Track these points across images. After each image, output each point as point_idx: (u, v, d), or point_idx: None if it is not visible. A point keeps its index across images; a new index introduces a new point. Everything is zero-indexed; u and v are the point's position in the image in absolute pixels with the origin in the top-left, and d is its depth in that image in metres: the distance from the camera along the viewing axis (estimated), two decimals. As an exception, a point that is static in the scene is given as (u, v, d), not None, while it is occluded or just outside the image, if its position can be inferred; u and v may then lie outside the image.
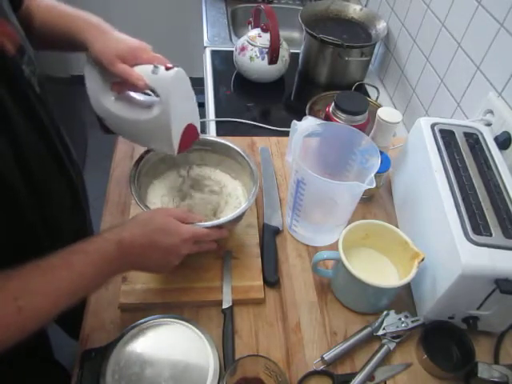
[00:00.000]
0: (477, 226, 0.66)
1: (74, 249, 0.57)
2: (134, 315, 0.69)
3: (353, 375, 0.66)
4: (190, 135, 0.73)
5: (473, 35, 0.97)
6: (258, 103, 1.32)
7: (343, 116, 0.93)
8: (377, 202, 0.94)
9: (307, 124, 0.79)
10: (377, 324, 0.71)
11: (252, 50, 1.29)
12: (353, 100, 0.96)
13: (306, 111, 1.22)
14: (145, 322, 0.67)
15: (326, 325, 0.73)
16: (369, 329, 0.70)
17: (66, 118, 0.82)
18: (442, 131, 0.82)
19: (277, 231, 0.85)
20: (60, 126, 0.73)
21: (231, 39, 1.59)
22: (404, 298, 0.78)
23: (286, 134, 0.93)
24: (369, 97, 1.35)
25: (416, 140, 0.85)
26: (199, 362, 0.63)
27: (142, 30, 1.79)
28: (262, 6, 1.25)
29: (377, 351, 0.69)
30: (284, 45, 1.31)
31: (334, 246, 0.78)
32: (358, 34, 1.39)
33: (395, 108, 1.32)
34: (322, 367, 0.67)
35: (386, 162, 0.87)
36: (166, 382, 0.61)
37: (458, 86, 1.02)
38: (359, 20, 1.43)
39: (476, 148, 0.80)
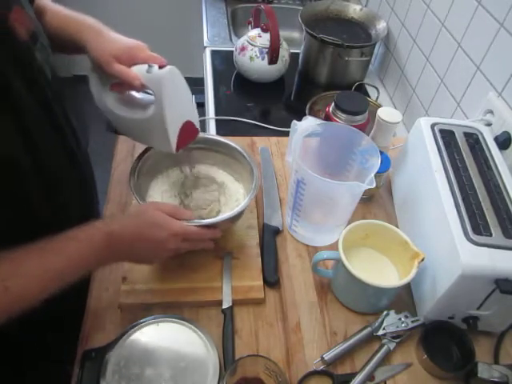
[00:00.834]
0: (477, 225, 0.66)
1: (68, 235, 0.58)
2: (134, 315, 0.69)
3: (353, 375, 0.66)
4: (189, 132, 0.73)
5: (473, 35, 0.97)
6: (258, 103, 1.32)
7: (343, 116, 0.93)
8: (377, 202, 0.94)
9: (307, 124, 0.79)
10: (377, 324, 0.71)
11: (252, 49, 1.29)
12: (353, 100, 0.96)
13: (306, 111, 1.22)
14: (145, 321, 0.67)
15: (326, 325, 0.73)
16: (369, 329, 0.70)
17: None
18: (441, 131, 0.82)
19: (277, 231, 0.85)
20: (71, 115, 0.73)
21: (231, 39, 1.59)
22: (404, 298, 0.78)
23: (286, 134, 0.93)
24: (369, 97, 1.35)
25: (416, 140, 0.85)
26: (199, 362, 0.63)
27: (142, 30, 1.79)
28: (262, 6, 1.25)
29: (377, 351, 0.69)
30: (284, 45, 1.31)
31: (334, 246, 0.78)
32: (358, 34, 1.39)
33: (395, 108, 1.32)
34: (322, 367, 0.67)
35: (385, 162, 0.87)
36: (165, 382, 0.61)
37: (458, 86, 1.03)
38: (359, 20, 1.43)
39: (476, 148, 0.80)
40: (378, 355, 0.68)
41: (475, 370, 0.64)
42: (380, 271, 0.77)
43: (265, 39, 1.28)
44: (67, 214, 0.74)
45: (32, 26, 0.62)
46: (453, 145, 0.80)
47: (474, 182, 0.73)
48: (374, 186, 0.68)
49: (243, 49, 1.30)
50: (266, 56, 1.28)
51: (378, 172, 0.72)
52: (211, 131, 1.20)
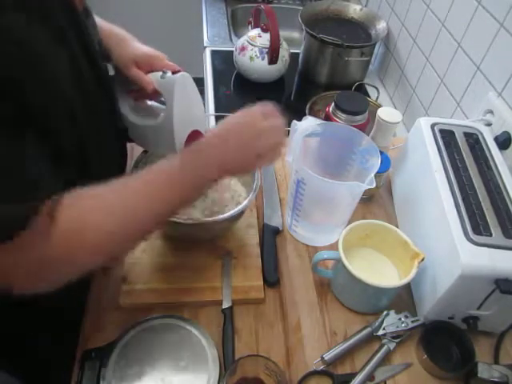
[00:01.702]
0: (477, 225, 0.66)
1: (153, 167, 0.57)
2: (134, 315, 0.69)
3: (353, 375, 0.66)
4: (196, 141, 0.73)
5: (473, 35, 0.97)
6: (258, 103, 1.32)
7: (343, 116, 0.93)
8: (377, 202, 0.94)
9: (307, 124, 0.79)
10: (377, 324, 0.71)
11: (252, 50, 1.29)
12: (353, 100, 0.96)
13: (306, 111, 1.22)
14: (145, 321, 0.67)
15: (326, 325, 0.73)
16: (369, 329, 0.70)
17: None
18: (441, 131, 0.82)
19: (277, 231, 0.85)
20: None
21: (231, 39, 1.59)
22: (404, 297, 0.78)
23: (286, 133, 0.93)
24: (369, 97, 1.35)
25: (416, 140, 0.85)
26: (199, 362, 0.64)
27: (142, 30, 1.79)
28: (262, 6, 1.26)
29: (377, 351, 0.69)
30: (284, 45, 1.31)
31: (334, 246, 0.78)
32: (358, 34, 1.40)
33: (395, 108, 1.32)
34: (322, 367, 0.67)
35: (386, 162, 0.87)
36: (165, 382, 0.61)
37: (458, 86, 1.03)
38: (359, 20, 1.43)
39: (476, 148, 0.80)
40: (378, 355, 0.68)
41: (475, 369, 0.64)
42: (380, 271, 0.77)
43: (265, 39, 1.28)
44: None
45: (84, 2, 0.63)
46: (453, 145, 0.80)
47: (474, 182, 0.73)
48: (374, 186, 0.69)
49: (243, 49, 1.30)
50: (265, 56, 1.28)
51: (377, 172, 0.72)
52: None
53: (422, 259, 0.69)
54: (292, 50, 1.36)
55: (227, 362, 0.65)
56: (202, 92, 1.39)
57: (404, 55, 1.30)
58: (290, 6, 1.82)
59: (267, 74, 1.33)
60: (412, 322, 0.70)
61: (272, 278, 0.77)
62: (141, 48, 0.73)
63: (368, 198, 0.93)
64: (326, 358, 0.67)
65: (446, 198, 0.70)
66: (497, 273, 0.62)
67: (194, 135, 0.71)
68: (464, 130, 0.83)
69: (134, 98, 0.74)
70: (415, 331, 0.71)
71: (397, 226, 0.77)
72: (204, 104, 1.36)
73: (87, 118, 0.59)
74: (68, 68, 0.54)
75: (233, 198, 0.81)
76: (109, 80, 0.71)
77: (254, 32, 1.31)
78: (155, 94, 0.71)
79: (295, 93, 1.42)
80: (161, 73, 0.69)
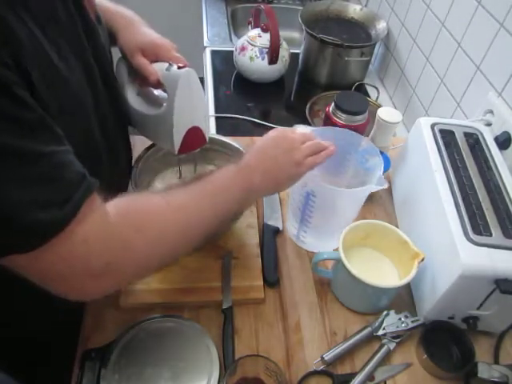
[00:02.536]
0: (477, 225, 0.66)
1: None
2: (134, 315, 0.69)
3: (353, 375, 0.66)
4: (195, 138, 0.73)
5: (473, 35, 0.97)
6: (258, 103, 1.32)
7: (343, 116, 0.93)
8: (377, 202, 0.94)
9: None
10: (377, 324, 0.71)
11: (252, 49, 1.29)
12: (353, 100, 0.96)
13: (306, 111, 1.22)
14: (145, 321, 0.67)
15: (326, 325, 0.73)
16: (369, 329, 0.70)
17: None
18: (441, 131, 0.82)
19: (277, 231, 0.85)
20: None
21: (231, 39, 1.59)
22: (404, 297, 0.78)
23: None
24: (369, 97, 1.35)
25: (416, 140, 0.85)
26: (199, 362, 0.63)
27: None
28: (262, 6, 1.25)
29: (377, 351, 0.69)
30: (284, 45, 1.31)
31: (334, 246, 0.78)
32: (358, 34, 1.39)
33: (395, 108, 1.32)
34: (322, 367, 0.67)
35: (385, 162, 0.87)
36: (165, 381, 0.61)
37: (458, 86, 1.03)
38: (359, 20, 1.43)
39: (476, 148, 0.80)
40: (378, 355, 0.68)
41: (475, 369, 0.64)
42: (380, 271, 0.76)
43: (265, 39, 1.28)
44: (120, 181, 0.75)
45: (96, 10, 0.63)
46: (453, 145, 0.80)
47: (474, 182, 0.73)
48: (387, 186, 0.68)
49: (243, 49, 1.30)
50: (265, 56, 1.28)
51: (378, 172, 0.72)
52: (211, 131, 1.20)
53: (422, 259, 0.69)
54: (292, 50, 1.36)
55: (227, 362, 0.65)
56: (202, 92, 1.39)
57: (404, 55, 1.30)
58: (289, 6, 1.82)
59: (267, 74, 1.33)
60: (412, 322, 0.70)
61: (272, 278, 0.77)
62: (149, 35, 0.71)
63: (368, 198, 0.93)
64: (326, 358, 0.67)
65: (445, 198, 0.70)
66: (497, 273, 0.62)
67: (193, 131, 0.71)
68: (464, 130, 0.83)
69: (139, 84, 0.72)
70: (415, 331, 0.71)
71: (397, 226, 0.77)
72: (204, 103, 1.36)
73: (96, 115, 0.60)
74: (84, 79, 0.55)
75: None
76: (119, 92, 0.71)
77: (254, 32, 1.31)
78: (159, 84, 0.70)
79: (295, 93, 1.42)
80: (167, 65, 0.68)
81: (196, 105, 0.71)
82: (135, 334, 0.65)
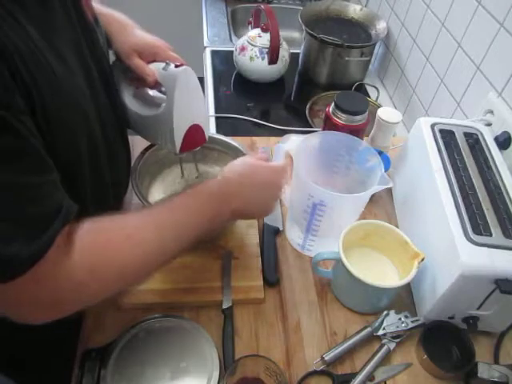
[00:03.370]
0: (477, 225, 0.66)
1: (189, 191, 0.60)
2: (134, 315, 0.69)
3: (353, 375, 0.66)
4: (196, 136, 0.72)
5: (473, 35, 0.97)
6: (258, 103, 1.32)
7: (343, 116, 0.93)
8: (377, 202, 0.94)
9: (291, 144, 0.76)
10: (377, 324, 0.71)
11: (252, 49, 1.29)
12: (353, 100, 0.95)
13: (306, 111, 1.22)
14: (145, 321, 0.67)
15: (326, 325, 0.73)
16: (369, 329, 0.70)
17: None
18: (441, 131, 0.82)
19: (277, 231, 0.85)
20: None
21: (231, 39, 1.59)
22: (404, 298, 0.78)
23: (287, 133, 0.92)
24: (369, 97, 1.35)
25: (416, 140, 0.85)
26: (199, 362, 0.63)
27: (142, 29, 1.79)
28: (262, 6, 1.25)
29: (377, 351, 0.69)
30: (284, 45, 1.31)
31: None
32: (358, 34, 1.40)
33: (395, 108, 1.32)
34: (322, 367, 0.67)
35: (386, 162, 0.87)
36: (165, 382, 0.61)
37: (458, 86, 1.03)
38: (359, 20, 1.43)
39: (476, 148, 0.80)
40: (378, 355, 0.68)
41: (475, 369, 0.64)
42: (380, 271, 0.76)
43: (265, 39, 1.28)
44: (119, 187, 0.75)
45: (94, 12, 0.63)
46: (453, 145, 0.80)
47: (474, 182, 0.73)
48: (391, 184, 0.68)
49: (243, 49, 1.30)
50: (266, 56, 1.28)
51: (378, 172, 0.72)
52: (211, 131, 1.20)
53: (422, 259, 0.69)
54: (292, 50, 1.36)
55: (227, 362, 0.65)
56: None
57: (404, 55, 1.30)
58: (289, 6, 1.81)
59: (267, 74, 1.33)
60: (412, 321, 0.70)
61: (272, 278, 0.77)
62: (143, 37, 0.71)
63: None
64: (326, 358, 0.67)
65: (445, 198, 0.70)
66: (497, 273, 0.62)
67: (194, 129, 0.71)
68: (464, 129, 0.83)
69: (136, 86, 0.72)
70: (415, 331, 0.71)
71: (397, 226, 0.77)
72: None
73: (97, 118, 0.59)
74: (85, 84, 0.55)
75: None
76: (115, 88, 0.71)
77: (254, 32, 1.31)
78: (157, 84, 0.70)
79: (295, 93, 1.42)
80: (163, 64, 0.67)
81: (195, 103, 0.70)
82: (135, 333, 0.65)
